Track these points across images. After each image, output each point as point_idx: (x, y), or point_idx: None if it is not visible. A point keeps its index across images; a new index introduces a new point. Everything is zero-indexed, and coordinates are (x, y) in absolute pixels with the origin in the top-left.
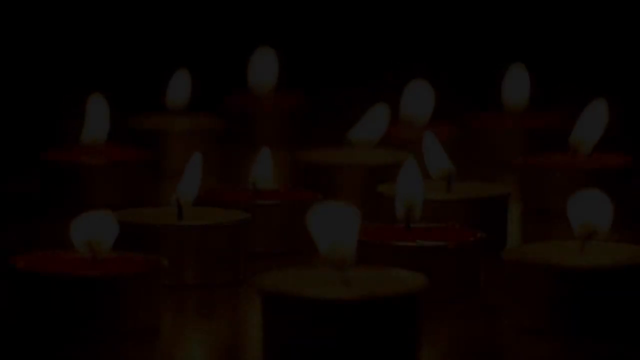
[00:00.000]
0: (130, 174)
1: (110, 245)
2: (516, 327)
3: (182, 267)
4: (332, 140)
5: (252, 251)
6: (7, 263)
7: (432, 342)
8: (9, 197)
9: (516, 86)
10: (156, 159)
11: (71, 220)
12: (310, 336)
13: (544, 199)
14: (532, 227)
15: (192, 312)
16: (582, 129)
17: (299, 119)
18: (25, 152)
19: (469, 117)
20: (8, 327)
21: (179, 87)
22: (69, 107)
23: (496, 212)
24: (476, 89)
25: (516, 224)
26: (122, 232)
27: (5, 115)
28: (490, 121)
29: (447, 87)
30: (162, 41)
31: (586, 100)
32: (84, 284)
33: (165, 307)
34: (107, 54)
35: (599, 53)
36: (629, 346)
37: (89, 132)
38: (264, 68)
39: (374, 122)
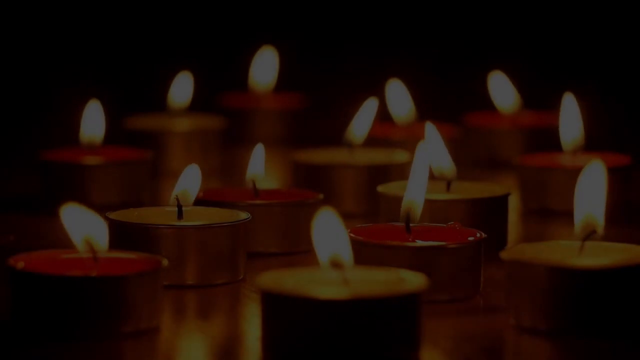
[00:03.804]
0: (130, 174)
1: (105, 240)
2: (516, 327)
3: (182, 267)
4: (332, 140)
5: (252, 251)
6: (7, 263)
7: (432, 342)
8: (9, 197)
9: (501, 92)
10: (156, 159)
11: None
12: (310, 336)
13: (544, 199)
14: (532, 227)
15: (192, 312)
16: (565, 129)
17: (298, 118)
18: (25, 152)
19: (468, 117)
20: (8, 327)
21: (182, 89)
22: (68, 107)
23: (496, 212)
24: (476, 89)
25: (516, 224)
26: (122, 232)
27: (5, 115)
28: (490, 121)
29: (447, 87)
30: (161, 41)
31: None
32: (84, 284)
33: (165, 307)
34: (108, 54)
35: (599, 53)
36: (629, 345)
37: (86, 134)
38: (264, 67)
39: (365, 117)
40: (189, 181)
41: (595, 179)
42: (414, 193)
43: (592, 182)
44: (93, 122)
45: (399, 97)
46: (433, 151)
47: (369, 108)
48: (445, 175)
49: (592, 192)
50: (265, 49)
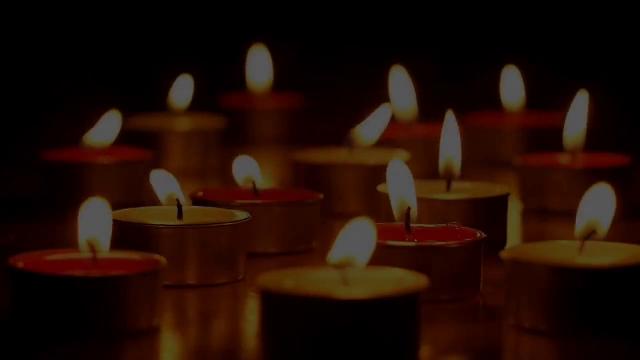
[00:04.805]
0: (130, 174)
1: (108, 241)
2: (516, 327)
3: (182, 267)
4: (332, 140)
5: (252, 251)
6: (7, 263)
7: (432, 342)
8: (9, 197)
9: (512, 87)
10: (156, 159)
11: (71, 219)
12: (310, 336)
13: (544, 199)
14: (532, 227)
15: (192, 312)
16: (570, 126)
17: (298, 118)
18: (25, 152)
19: (469, 117)
20: (8, 327)
21: (182, 90)
22: (68, 107)
23: (496, 212)
24: (476, 88)
25: (516, 224)
26: (122, 232)
27: (6, 116)
28: (490, 121)
29: (447, 87)
30: (161, 41)
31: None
32: (84, 284)
33: (165, 307)
34: (108, 54)
35: (599, 52)
36: (629, 345)
37: (96, 137)
38: (258, 66)
39: (377, 122)
40: (168, 185)
41: (602, 196)
42: (404, 192)
43: (599, 196)
44: (106, 130)
45: (402, 90)
46: (447, 143)
47: (382, 114)
48: (451, 170)
49: (598, 201)
50: (257, 48)
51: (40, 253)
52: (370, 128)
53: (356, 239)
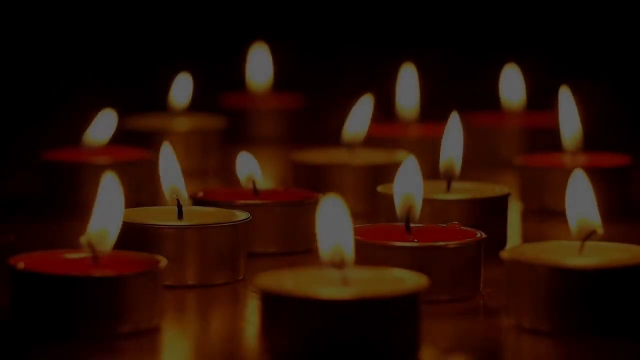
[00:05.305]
0: (130, 174)
1: (112, 243)
2: (516, 327)
3: (182, 267)
4: (332, 140)
5: (252, 251)
6: (7, 263)
7: (432, 342)
8: (9, 197)
9: (511, 86)
10: (156, 159)
11: (71, 220)
12: (310, 336)
13: (544, 199)
14: (532, 227)
15: (192, 312)
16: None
17: (298, 118)
18: (25, 152)
19: (469, 116)
20: (8, 327)
21: (182, 89)
22: (68, 107)
23: (496, 212)
24: (476, 88)
25: (516, 224)
26: (122, 232)
27: (6, 116)
28: (490, 121)
29: (447, 87)
30: (161, 41)
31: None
32: (84, 284)
33: (165, 307)
34: (108, 54)
35: (599, 52)
36: (629, 345)
37: (92, 135)
38: (259, 66)
39: (361, 115)
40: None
41: (581, 186)
42: (409, 190)
43: (579, 189)
44: (103, 128)
45: (408, 89)
46: (449, 143)
47: (364, 105)
48: (451, 170)
49: (581, 197)
50: (258, 47)
51: (40, 253)
52: (356, 122)
53: (333, 229)
